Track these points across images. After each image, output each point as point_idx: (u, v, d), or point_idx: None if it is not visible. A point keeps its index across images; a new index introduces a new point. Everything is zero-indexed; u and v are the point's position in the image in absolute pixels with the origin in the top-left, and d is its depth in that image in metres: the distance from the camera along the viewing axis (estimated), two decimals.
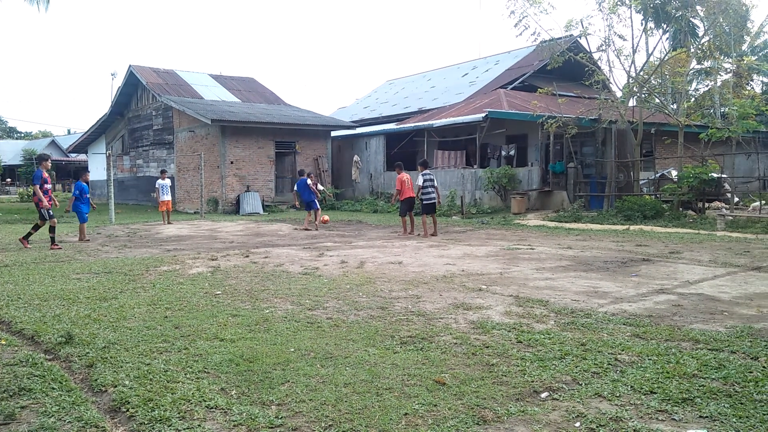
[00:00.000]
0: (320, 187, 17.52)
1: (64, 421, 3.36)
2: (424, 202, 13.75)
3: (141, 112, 30.52)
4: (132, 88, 30.59)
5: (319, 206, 16.17)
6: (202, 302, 6.25)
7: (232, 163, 23.77)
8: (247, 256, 9.96)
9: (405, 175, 14.17)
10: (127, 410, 3.46)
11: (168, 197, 18.12)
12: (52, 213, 11.76)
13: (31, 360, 4.34)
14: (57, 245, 11.41)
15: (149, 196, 28.48)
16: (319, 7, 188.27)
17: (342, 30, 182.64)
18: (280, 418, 3.33)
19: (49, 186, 11.98)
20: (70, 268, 8.71)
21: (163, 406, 3.48)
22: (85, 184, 13.30)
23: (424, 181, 13.71)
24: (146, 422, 3.30)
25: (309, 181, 16.12)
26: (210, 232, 15.37)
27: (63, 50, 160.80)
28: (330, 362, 4.25)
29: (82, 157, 44.80)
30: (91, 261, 9.58)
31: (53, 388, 3.82)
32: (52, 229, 11.61)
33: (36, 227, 11.90)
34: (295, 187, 16.66)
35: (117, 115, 32.41)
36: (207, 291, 6.88)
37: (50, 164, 12.65)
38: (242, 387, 3.81)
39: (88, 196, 13.29)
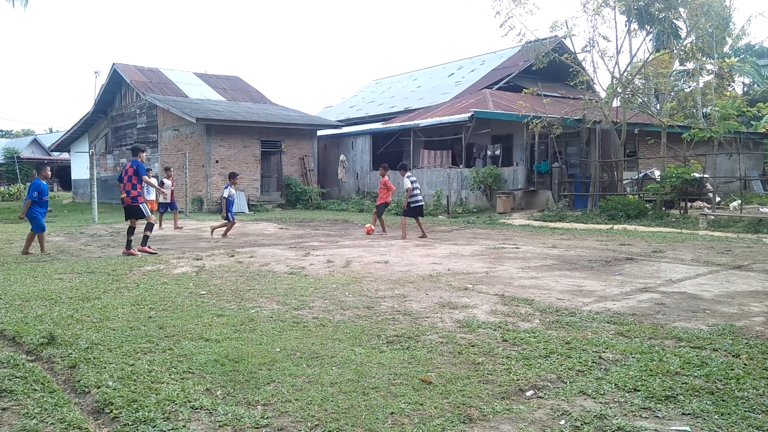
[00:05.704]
0: (167, 182, 17.23)
1: (47, 422, 3.32)
2: (413, 205, 13.17)
3: (125, 111, 30.21)
4: (116, 86, 30.27)
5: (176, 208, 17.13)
6: (187, 302, 6.21)
7: (217, 162, 23.62)
8: (233, 256, 9.90)
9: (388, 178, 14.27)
10: (111, 411, 3.43)
11: (152, 197, 17.98)
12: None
13: (12, 361, 4.28)
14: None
15: None
16: (305, 5, 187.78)
17: (328, 29, 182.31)
18: (266, 419, 3.32)
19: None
20: (52, 268, 8.60)
21: (147, 407, 3.45)
22: (44, 182, 10.63)
23: (413, 182, 13.14)
24: (130, 423, 3.27)
25: (165, 181, 16.90)
26: (195, 231, 15.27)
27: (45, 48, 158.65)
28: (316, 362, 4.24)
29: (64, 155, 44.14)
30: (73, 261, 9.47)
31: (35, 390, 3.77)
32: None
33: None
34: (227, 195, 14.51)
35: (100, 114, 32.04)
36: (192, 291, 6.83)
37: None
38: (227, 387, 3.79)
39: (47, 198, 10.73)
